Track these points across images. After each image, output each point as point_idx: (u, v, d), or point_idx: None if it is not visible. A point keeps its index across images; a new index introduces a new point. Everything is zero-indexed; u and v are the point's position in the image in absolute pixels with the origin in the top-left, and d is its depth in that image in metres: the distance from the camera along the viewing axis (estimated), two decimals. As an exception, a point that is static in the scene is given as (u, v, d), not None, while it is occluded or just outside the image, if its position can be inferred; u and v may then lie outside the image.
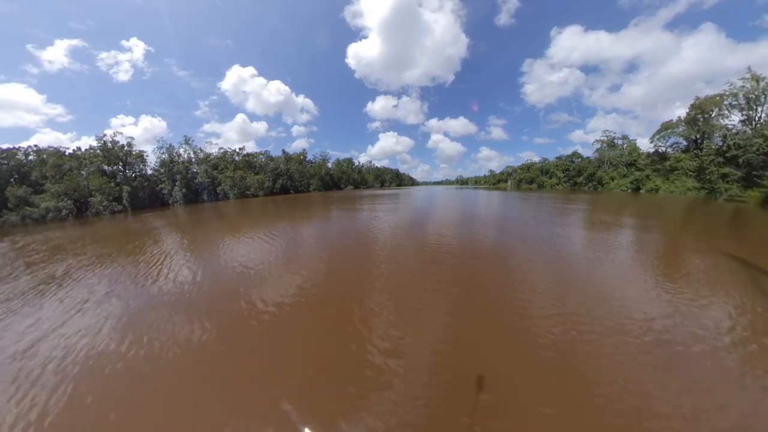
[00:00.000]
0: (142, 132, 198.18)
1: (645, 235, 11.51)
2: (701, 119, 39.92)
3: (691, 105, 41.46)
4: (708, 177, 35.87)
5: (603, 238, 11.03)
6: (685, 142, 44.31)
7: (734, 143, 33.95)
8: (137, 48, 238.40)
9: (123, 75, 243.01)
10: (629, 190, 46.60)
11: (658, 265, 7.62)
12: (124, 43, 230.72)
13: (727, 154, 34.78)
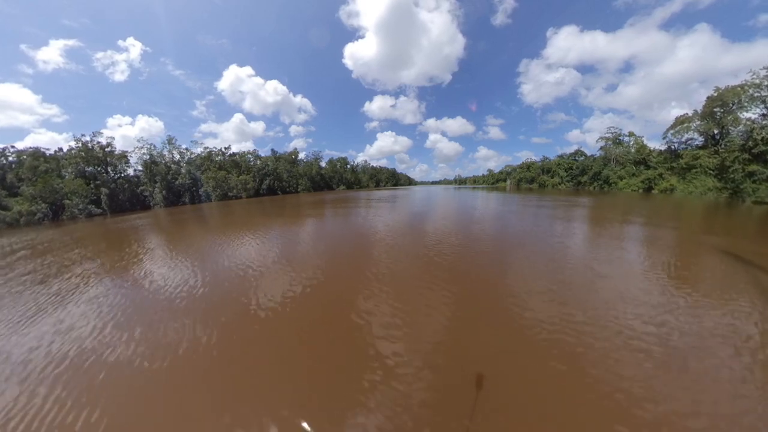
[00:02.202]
0: (139, 132, 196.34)
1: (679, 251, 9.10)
2: (721, 112, 36.28)
3: (709, 97, 37.86)
4: (731, 176, 32.19)
5: (625, 252, 8.98)
6: (700, 139, 40.74)
7: (762, 138, 30.30)
8: (134, 48, 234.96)
9: (119, 75, 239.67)
10: (640, 190, 42.96)
11: (679, 269, 7.11)
12: (120, 43, 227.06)
13: (753, 150, 31.13)
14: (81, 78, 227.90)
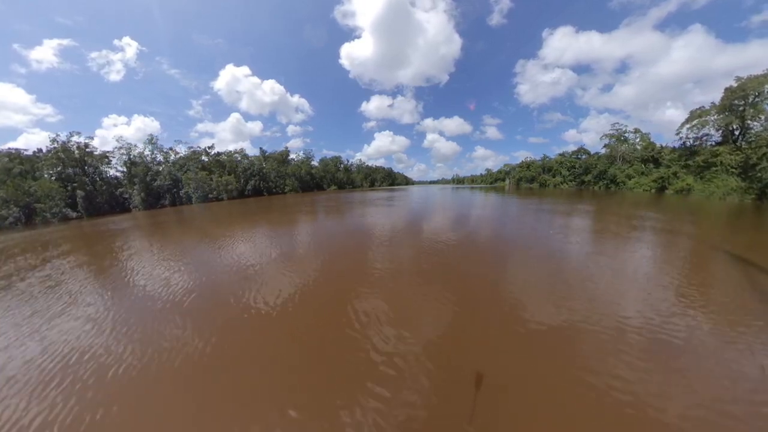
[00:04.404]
0: (134, 132, 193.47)
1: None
2: (743, 104, 32.83)
3: (728, 88, 34.34)
4: (758, 175, 28.71)
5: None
6: (716, 135, 37.27)
7: (796, 132, 26.84)
8: (130, 47, 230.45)
9: (115, 75, 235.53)
10: (653, 190, 39.50)
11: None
12: (116, 42, 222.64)
13: (784, 146, 27.68)
14: (76, 78, 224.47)
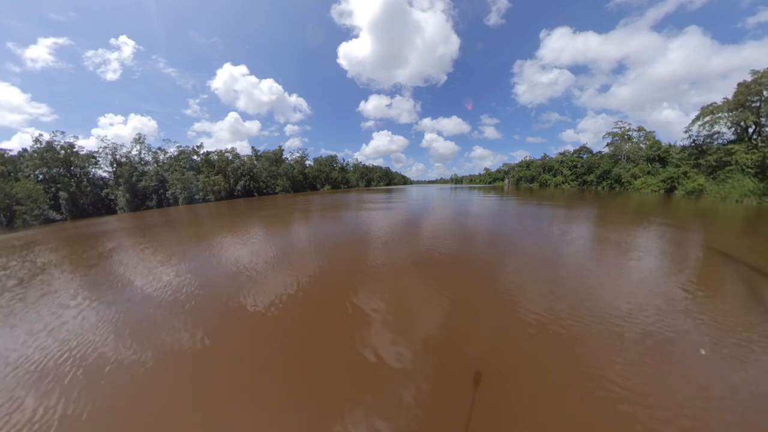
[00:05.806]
0: (131, 131, 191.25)
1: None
2: (758, 100, 30.80)
3: (741, 83, 32.31)
4: (777, 175, 26.71)
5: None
6: (728, 133, 35.23)
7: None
8: (126, 46, 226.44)
9: (111, 74, 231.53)
10: (661, 191, 37.46)
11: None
12: (113, 41, 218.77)
13: (806, 144, 25.64)
14: (71, 77, 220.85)
